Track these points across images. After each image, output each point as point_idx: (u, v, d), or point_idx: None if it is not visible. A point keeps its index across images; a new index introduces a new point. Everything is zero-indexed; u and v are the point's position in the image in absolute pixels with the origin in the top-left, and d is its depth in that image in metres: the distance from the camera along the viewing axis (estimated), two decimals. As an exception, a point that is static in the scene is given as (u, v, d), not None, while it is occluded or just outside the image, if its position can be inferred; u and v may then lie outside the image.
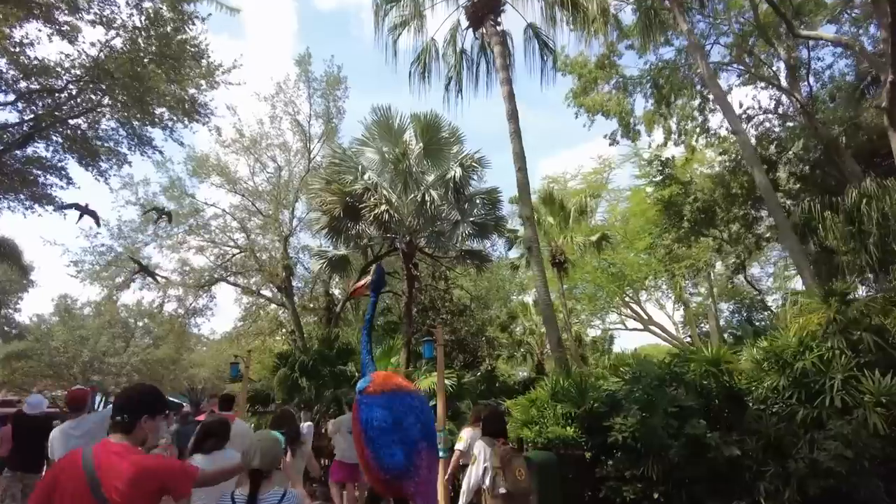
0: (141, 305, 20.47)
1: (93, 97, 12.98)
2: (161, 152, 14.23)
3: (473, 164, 15.63)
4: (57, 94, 12.60)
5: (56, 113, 12.64)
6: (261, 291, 19.56)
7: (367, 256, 18.28)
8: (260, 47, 74.31)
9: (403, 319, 16.29)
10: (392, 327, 19.61)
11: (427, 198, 14.74)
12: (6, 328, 28.45)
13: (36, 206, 14.06)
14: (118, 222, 18.47)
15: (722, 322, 33.67)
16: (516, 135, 11.53)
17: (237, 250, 19.93)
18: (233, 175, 19.16)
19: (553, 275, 19.84)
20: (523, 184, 10.97)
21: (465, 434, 6.25)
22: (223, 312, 63.71)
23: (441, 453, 7.77)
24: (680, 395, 6.35)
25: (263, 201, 19.65)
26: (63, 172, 13.74)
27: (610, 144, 15.72)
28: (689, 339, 34.12)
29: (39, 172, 13.86)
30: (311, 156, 19.57)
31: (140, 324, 33.20)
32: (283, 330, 21.06)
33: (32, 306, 66.04)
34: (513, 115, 11.71)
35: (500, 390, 20.21)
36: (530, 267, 21.89)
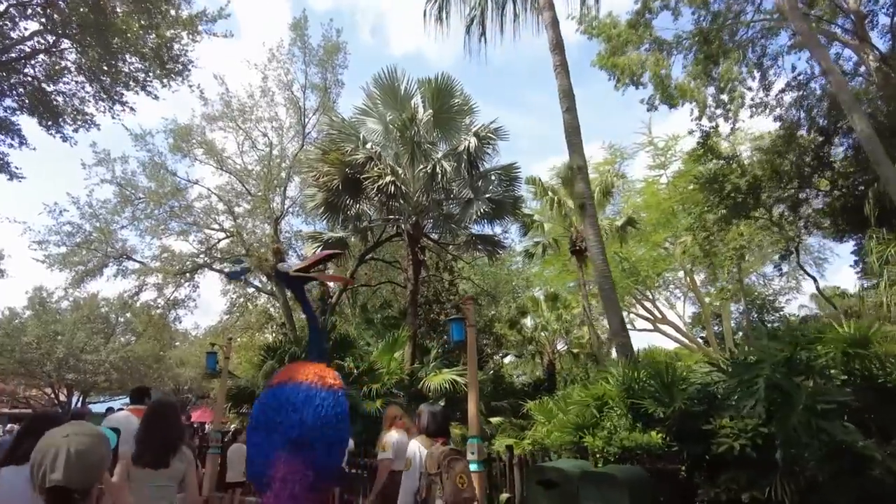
0: (123, 299, 18.28)
1: (47, 40, 11.09)
2: (132, 109, 12.32)
3: (489, 134, 13.86)
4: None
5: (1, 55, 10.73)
6: (248, 280, 17.66)
7: (366, 241, 16.44)
8: (253, 32, 72.54)
9: (408, 310, 14.45)
10: (392, 322, 17.80)
11: (438, 169, 12.93)
12: (-28, 321, 26.34)
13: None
14: (89, 199, 16.51)
15: (731, 324, 32.08)
16: (562, 68, 9.70)
17: (223, 234, 18.02)
18: (219, 152, 17.28)
19: (573, 265, 18.05)
20: (573, 127, 9.13)
21: (390, 438, 5.07)
22: (207, 306, 61.44)
23: (475, 466, 5.94)
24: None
25: (252, 182, 17.78)
26: (14, 130, 11.83)
27: (648, 110, 13.98)
28: (701, 338, 32.45)
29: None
30: (306, 131, 17.73)
31: (122, 319, 31.18)
32: (273, 323, 19.16)
33: (4, 299, 63.54)
34: (557, 46, 9.83)
35: (507, 391, 18.33)
36: (542, 254, 20.15)
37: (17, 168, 12.24)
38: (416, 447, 3.79)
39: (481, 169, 14.29)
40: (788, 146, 12.40)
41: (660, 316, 30.47)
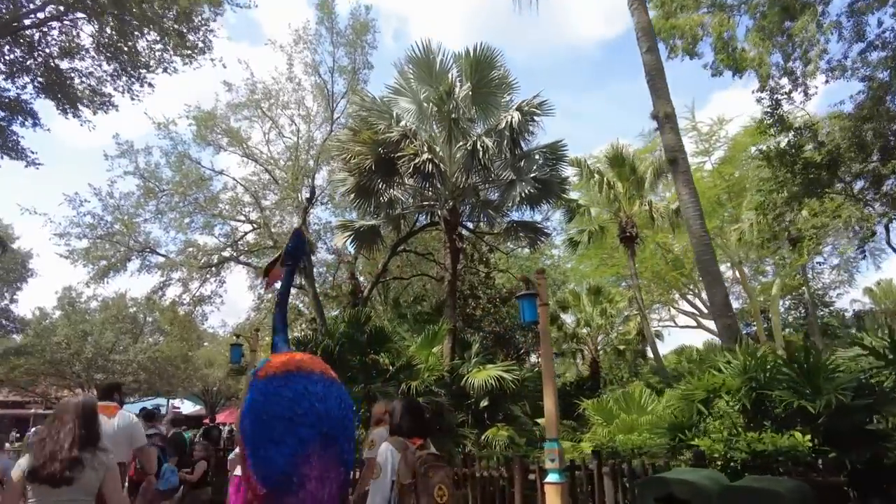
0: (148, 296, 17.62)
1: (60, 10, 10.34)
2: (151, 85, 11.55)
3: (534, 109, 12.70)
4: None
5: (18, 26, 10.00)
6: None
7: (399, 230, 15.42)
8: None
9: (446, 301, 13.37)
10: (426, 318, 16.77)
11: (479, 146, 11.83)
12: (4, 321, 26.18)
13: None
14: (111, 189, 15.82)
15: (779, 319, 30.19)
16: (641, 4, 8.50)
17: (250, 226, 17.20)
18: (244, 139, 16.47)
19: (614, 257, 16.77)
20: (656, 69, 7.95)
21: (379, 436, 4.50)
22: (234, 303, 61.07)
23: (555, 476, 4.84)
24: None
25: (279, 171, 16.93)
26: (27, 110, 11.15)
27: (713, 75, 12.64)
28: (746, 335, 30.65)
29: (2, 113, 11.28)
30: (334, 117, 16.82)
31: (149, 319, 30.85)
32: (302, 319, 18.30)
33: (35, 299, 64.39)
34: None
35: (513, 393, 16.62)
36: (589, 238, 18.79)
37: (32, 153, 11.56)
38: (388, 450, 3.22)
39: (524, 148, 13.14)
40: (873, 112, 10.99)
41: (705, 311, 28.85)
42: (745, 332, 30.62)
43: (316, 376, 3.22)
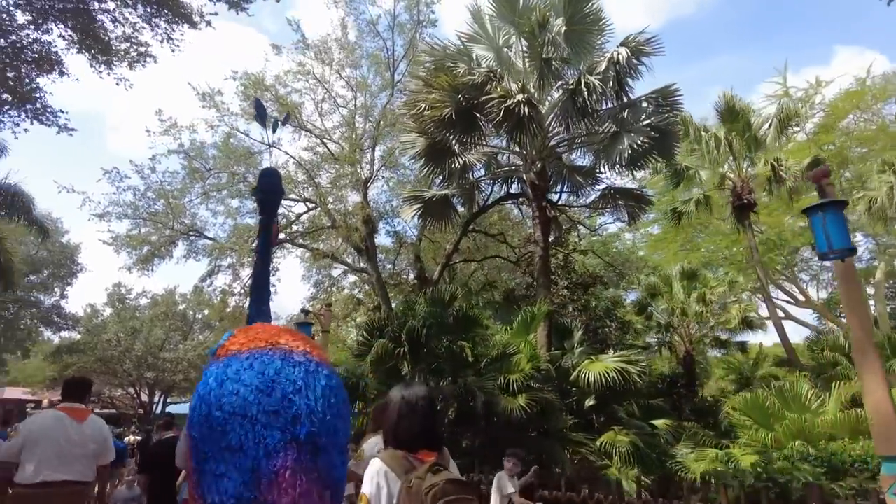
0: (199, 287, 16.08)
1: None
2: (195, 24, 9.84)
3: (642, 47, 10.41)
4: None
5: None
6: (335, 256, 14.96)
7: (472, 203, 13.35)
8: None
9: (539, 281, 11.21)
10: (496, 306, 14.67)
11: (585, 85, 9.63)
12: (56, 318, 25.50)
13: (26, 117, 10.02)
14: (152, 165, 14.29)
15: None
16: None
17: (304, 206, 15.45)
18: (296, 106, 14.71)
19: (735, 225, 14.23)
20: None
21: (370, 447, 3.38)
22: (287, 293, 59.95)
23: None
24: None
25: (334, 145, 15.13)
26: (58, 63, 9.61)
27: (888, 3, 10.02)
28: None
29: (31, 67, 9.78)
30: (395, 79, 14.87)
31: (199, 316, 29.82)
32: (363, 308, 16.47)
33: (85, 295, 65.32)
34: None
35: (634, 390, 14.25)
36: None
37: (62, 112, 10.03)
38: (379, 473, 2.21)
39: (630, 95, 10.85)
40: None
41: (802, 298, 25.69)
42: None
43: (297, 356, 2.23)
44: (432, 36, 14.76)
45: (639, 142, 10.41)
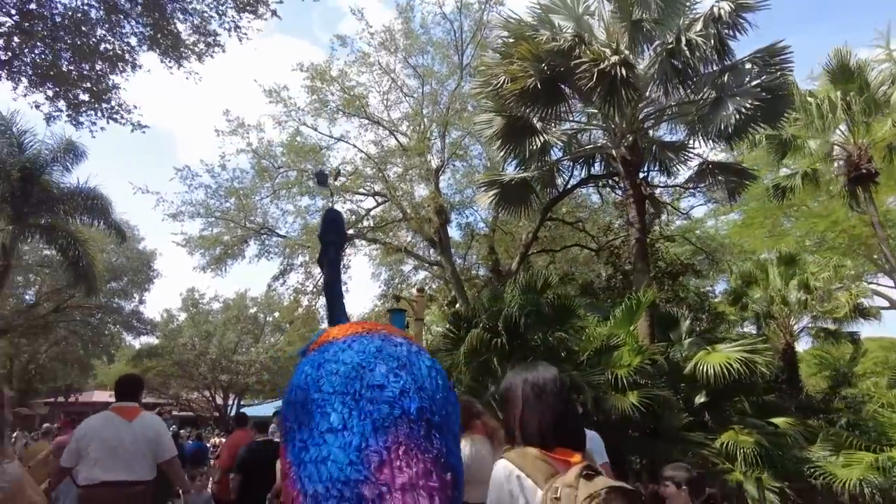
0: (272, 287, 15.91)
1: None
2: (259, 14, 9.46)
3: (743, 1, 9.23)
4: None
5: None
6: (407, 249, 14.40)
7: (552, 186, 12.42)
8: None
9: (637, 266, 10.18)
10: (586, 290, 13.66)
11: (685, 44, 8.59)
12: (136, 323, 26.34)
13: (101, 116, 9.93)
14: (223, 162, 14.20)
15: None
16: None
17: (373, 200, 14.99)
18: (362, 96, 14.27)
19: (847, 200, 12.71)
20: None
21: (473, 450, 2.97)
22: (357, 292, 60.76)
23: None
24: None
25: (401, 135, 14.61)
26: (131, 59, 9.46)
27: None
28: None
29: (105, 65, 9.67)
30: (464, 63, 14.17)
31: (269, 318, 30.20)
32: (434, 305, 15.84)
33: (161, 301, 68.23)
34: None
35: (732, 387, 12.75)
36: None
37: (135, 107, 9.87)
38: (510, 476, 1.79)
39: (733, 56, 9.68)
40: None
41: (913, 287, 23.14)
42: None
43: (397, 338, 2.03)
44: (502, 14, 13.99)
45: (746, 106, 9.21)
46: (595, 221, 15.99)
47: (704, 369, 8.06)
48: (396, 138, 14.20)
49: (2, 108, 13.81)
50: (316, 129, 14.50)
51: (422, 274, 16.79)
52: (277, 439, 7.30)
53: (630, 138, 10.49)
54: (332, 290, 2.81)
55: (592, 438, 3.14)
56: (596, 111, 11.15)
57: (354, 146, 14.56)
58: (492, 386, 7.93)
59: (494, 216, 14.91)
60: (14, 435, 19.48)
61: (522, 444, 1.86)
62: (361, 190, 14.72)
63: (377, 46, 14.45)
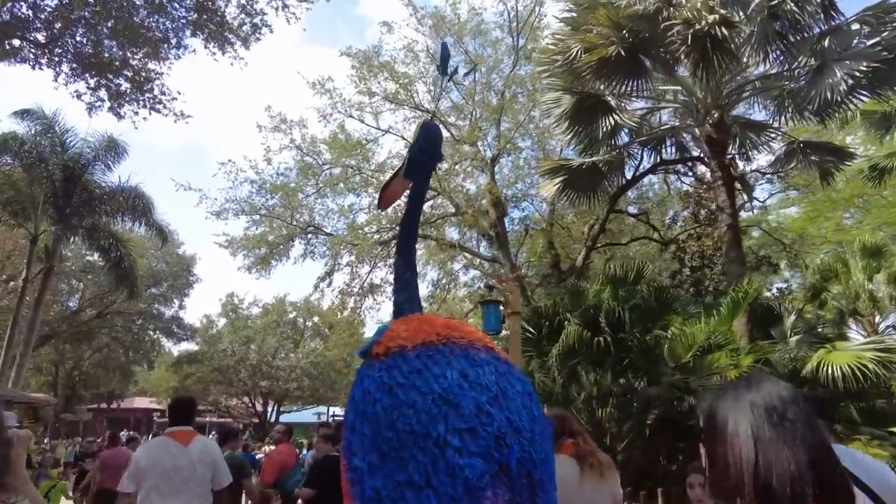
0: (318, 287, 15.14)
1: None
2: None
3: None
4: None
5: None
6: (461, 245, 13.53)
7: (613, 174, 11.37)
8: None
9: (731, 255, 9.07)
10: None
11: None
12: (176, 329, 26.12)
13: (142, 105, 9.37)
14: (268, 157, 13.56)
15: None
16: None
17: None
18: (408, 81, 13.47)
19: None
20: None
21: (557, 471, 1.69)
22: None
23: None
24: None
25: (451, 123, 13.75)
26: (176, 40, 8.86)
27: None
28: None
29: (148, 52, 9.09)
30: (518, 44, 13.24)
31: (308, 323, 29.68)
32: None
33: (200, 306, 68.77)
34: None
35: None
36: None
37: (178, 93, 9.28)
38: None
39: (841, 15, 8.55)
40: None
41: None
42: None
43: (480, 352, 1.67)
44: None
45: (861, 70, 8.06)
46: (660, 212, 14.89)
47: (828, 370, 6.94)
48: (447, 128, 13.35)
49: (45, 108, 13.37)
50: (363, 122, 13.74)
51: (472, 273, 15.91)
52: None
53: (716, 115, 9.43)
54: (408, 242, 2.18)
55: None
56: (676, 87, 10.17)
57: (403, 137, 13.75)
58: (581, 392, 6.99)
59: (551, 210, 13.95)
60: (66, 442, 19.34)
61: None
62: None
63: (428, 30, 13.63)
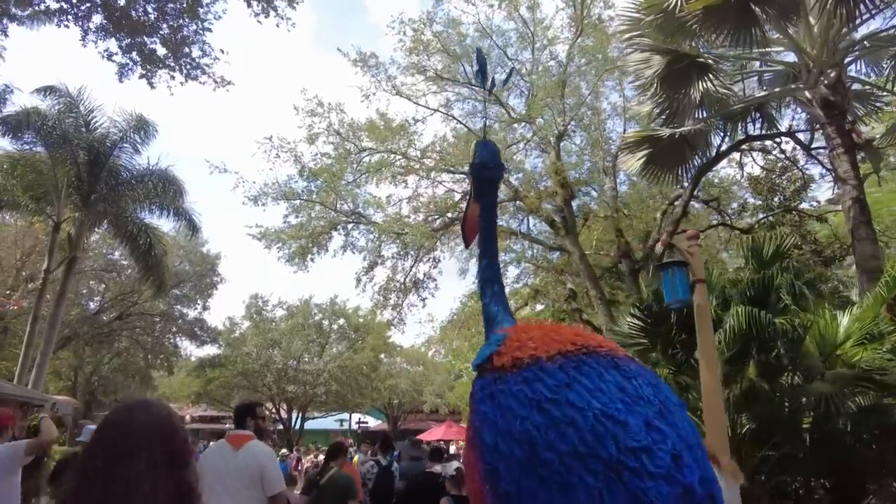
0: (361, 281, 13.90)
1: None
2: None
3: None
4: None
5: None
6: (522, 233, 12.34)
7: (695, 150, 10.14)
8: None
9: (859, 232, 7.78)
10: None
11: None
12: (198, 331, 25.09)
13: (179, 72, 8.32)
14: (309, 139, 12.45)
15: None
16: None
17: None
18: (460, 56, 12.33)
19: None
20: None
21: None
22: (439, 295, 58.04)
23: None
24: None
25: (507, 104, 12.58)
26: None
27: None
28: None
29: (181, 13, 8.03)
30: (583, 13, 12.05)
31: (335, 326, 28.54)
32: (545, 299, 13.67)
33: (223, 308, 67.64)
34: None
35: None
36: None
37: (223, 52, 8.23)
38: None
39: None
40: None
41: None
42: None
43: (626, 361, 1.61)
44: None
45: None
46: (731, 199, 13.62)
47: None
48: (504, 107, 12.17)
49: (69, 84, 12.41)
50: (410, 99, 12.62)
51: (521, 266, 14.64)
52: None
53: (832, 74, 8.19)
54: (492, 256, 2.32)
55: None
56: (779, 48, 8.96)
57: (454, 118, 12.61)
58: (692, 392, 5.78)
59: (614, 195, 12.72)
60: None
61: None
62: (455, 168, 12.74)
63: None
